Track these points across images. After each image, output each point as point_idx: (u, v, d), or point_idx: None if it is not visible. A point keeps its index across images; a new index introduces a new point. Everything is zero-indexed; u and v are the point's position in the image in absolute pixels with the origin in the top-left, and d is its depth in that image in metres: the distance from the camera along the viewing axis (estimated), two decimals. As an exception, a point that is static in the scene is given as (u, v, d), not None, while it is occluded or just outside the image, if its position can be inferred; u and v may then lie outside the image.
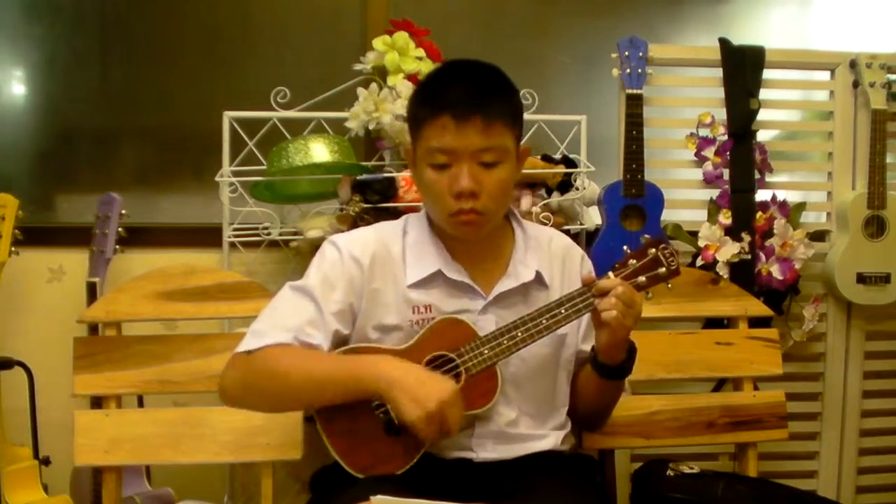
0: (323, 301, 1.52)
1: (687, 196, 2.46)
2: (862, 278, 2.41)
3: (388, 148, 2.28)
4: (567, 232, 2.11)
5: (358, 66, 2.28)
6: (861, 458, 2.54)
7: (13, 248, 2.08)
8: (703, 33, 2.88)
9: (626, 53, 2.31)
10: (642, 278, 1.53)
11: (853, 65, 2.45)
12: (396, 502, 1.24)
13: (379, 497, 1.24)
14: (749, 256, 2.31)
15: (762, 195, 2.39)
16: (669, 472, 1.89)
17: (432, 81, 1.54)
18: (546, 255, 1.64)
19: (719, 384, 2.24)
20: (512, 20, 2.79)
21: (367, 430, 1.48)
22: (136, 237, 2.26)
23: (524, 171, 1.70)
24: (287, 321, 1.51)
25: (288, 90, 2.21)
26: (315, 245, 2.16)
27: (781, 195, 2.39)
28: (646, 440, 1.95)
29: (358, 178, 2.13)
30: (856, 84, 2.45)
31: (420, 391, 1.39)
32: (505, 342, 1.49)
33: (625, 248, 1.57)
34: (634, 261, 1.54)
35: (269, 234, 2.21)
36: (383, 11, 2.55)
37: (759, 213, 2.35)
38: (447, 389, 1.40)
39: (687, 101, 2.49)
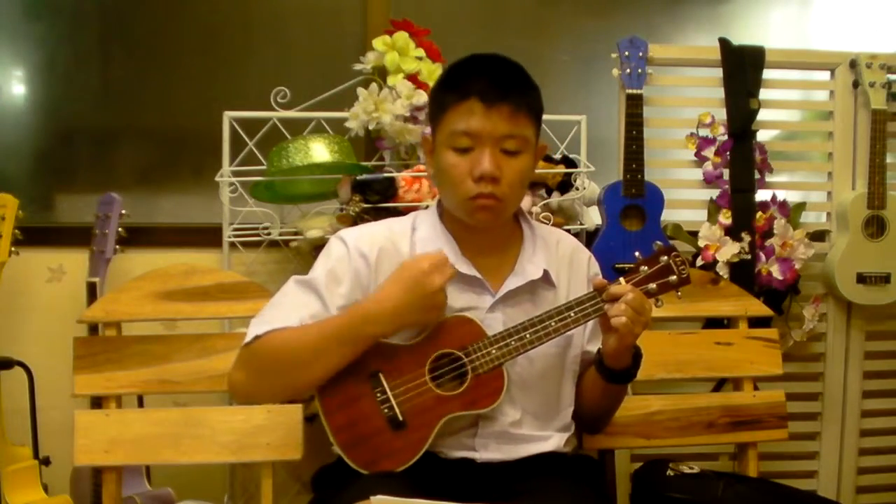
0: (328, 295, 1.52)
1: (687, 196, 2.46)
2: (862, 278, 2.41)
3: (388, 148, 2.28)
4: (567, 232, 2.11)
5: (358, 66, 2.28)
6: (861, 458, 2.54)
7: (13, 248, 2.08)
8: (703, 33, 2.88)
9: (626, 53, 2.31)
10: (653, 285, 1.54)
11: (853, 65, 2.45)
12: (396, 502, 1.24)
13: (379, 497, 1.24)
14: (749, 256, 2.31)
15: (762, 195, 2.39)
16: (669, 472, 1.88)
17: (460, 69, 1.54)
18: (553, 255, 1.64)
19: (719, 384, 2.24)
20: (512, 20, 2.79)
21: (372, 424, 1.49)
22: (136, 237, 2.26)
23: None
24: (291, 314, 1.51)
25: (288, 90, 2.21)
26: (315, 245, 2.17)
27: (781, 195, 2.39)
28: (646, 440, 1.96)
29: (358, 178, 2.13)
30: (856, 84, 2.45)
31: (423, 302, 1.45)
32: (513, 343, 1.49)
33: (636, 254, 1.57)
34: (646, 267, 1.55)
35: (269, 234, 2.21)
36: (383, 11, 2.55)
37: (759, 213, 2.35)
38: (437, 280, 1.45)
39: (687, 101, 2.49)
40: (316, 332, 1.48)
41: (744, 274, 2.29)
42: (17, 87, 2.57)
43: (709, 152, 2.40)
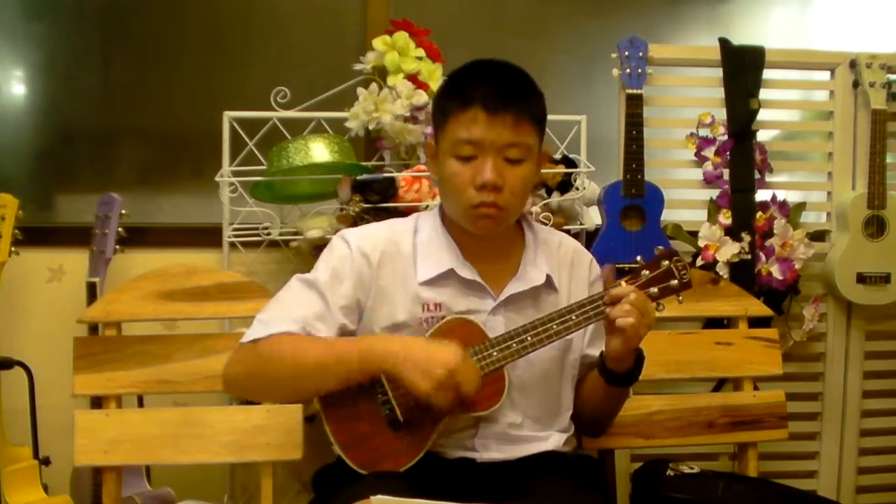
0: (330, 295, 1.52)
1: (687, 196, 2.46)
2: (862, 278, 2.41)
3: (388, 148, 2.28)
4: (567, 232, 2.11)
5: (358, 66, 2.28)
6: (861, 458, 2.54)
7: (13, 248, 2.08)
8: (703, 33, 2.88)
9: (626, 53, 2.31)
10: (654, 289, 1.53)
11: (853, 65, 2.45)
12: (396, 502, 1.24)
13: (379, 497, 1.24)
14: (749, 256, 2.31)
15: (762, 195, 2.39)
16: (669, 472, 1.89)
17: (463, 76, 1.54)
18: (555, 259, 1.64)
19: (719, 384, 2.24)
20: (512, 20, 2.79)
21: (372, 424, 1.49)
22: (136, 237, 2.26)
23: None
24: (294, 313, 1.51)
25: (288, 90, 2.21)
26: (315, 245, 2.17)
27: (781, 195, 2.39)
28: (646, 440, 1.95)
29: (358, 178, 2.13)
30: (856, 84, 2.45)
31: (426, 362, 1.40)
32: (514, 346, 1.49)
33: (638, 258, 1.57)
34: (647, 271, 1.54)
35: (269, 234, 2.21)
36: (383, 11, 2.55)
37: (759, 213, 2.35)
38: (453, 354, 1.41)
39: (687, 101, 2.49)
40: (320, 351, 1.47)
41: (744, 274, 2.29)
42: (17, 87, 2.57)
43: (709, 152, 2.40)
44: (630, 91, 2.32)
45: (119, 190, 2.20)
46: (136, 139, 2.61)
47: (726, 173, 2.39)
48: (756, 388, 2.04)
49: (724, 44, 2.42)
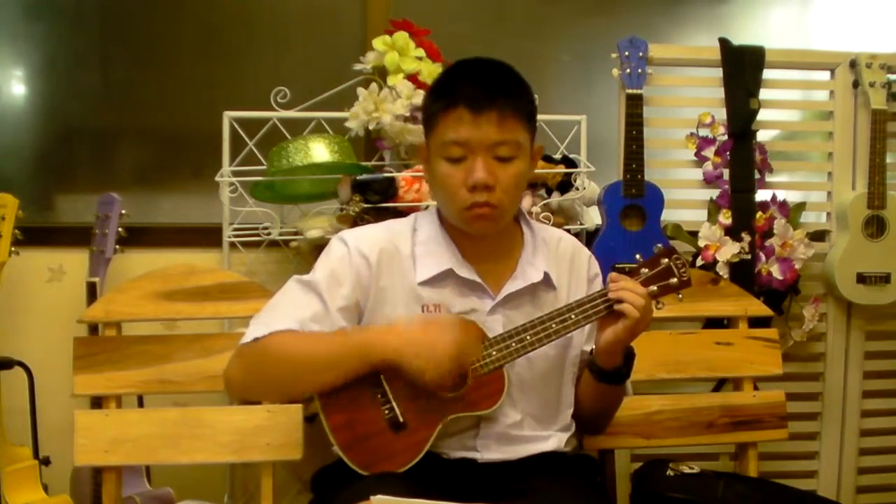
0: (329, 297, 1.52)
1: (687, 196, 2.46)
2: (862, 278, 2.41)
3: (388, 148, 2.28)
4: (567, 232, 2.11)
5: (358, 66, 2.28)
6: (861, 458, 2.54)
7: (13, 248, 2.08)
8: (703, 33, 2.88)
9: (626, 53, 2.31)
10: (654, 287, 1.53)
11: (853, 65, 2.45)
12: (396, 502, 1.24)
13: (379, 497, 1.24)
14: (749, 256, 2.31)
15: (762, 195, 2.39)
16: (669, 472, 1.88)
17: (447, 77, 1.55)
18: (554, 256, 1.64)
19: (719, 384, 2.24)
20: (512, 20, 2.79)
21: (372, 425, 1.49)
22: (136, 237, 2.26)
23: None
24: (292, 314, 1.51)
25: (288, 90, 2.21)
26: (315, 245, 2.17)
27: (781, 195, 2.39)
28: (646, 440, 1.95)
29: (358, 178, 2.13)
30: (856, 84, 2.45)
31: (428, 349, 1.41)
32: (513, 345, 1.49)
33: (637, 256, 1.57)
34: (647, 269, 1.54)
35: (269, 234, 2.21)
36: (383, 11, 2.55)
37: (759, 213, 2.35)
38: (451, 336, 1.42)
39: (687, 101, 2.49)
40: (320, 346, 1.48)
41: (744, 274, 2.29)
42: (17, 87, 2.57)
43: (709, 152, 2.40)
44: (630, 91, 2.31)
45: (119, 190, 2.20)
46: (136, 139, 2.61)
47: (726, 173, 2.39)
48: (756, 388, 2.04)
49: (724, 44, 2.42)
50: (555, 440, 1.60)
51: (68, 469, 2.10)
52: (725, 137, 2.39)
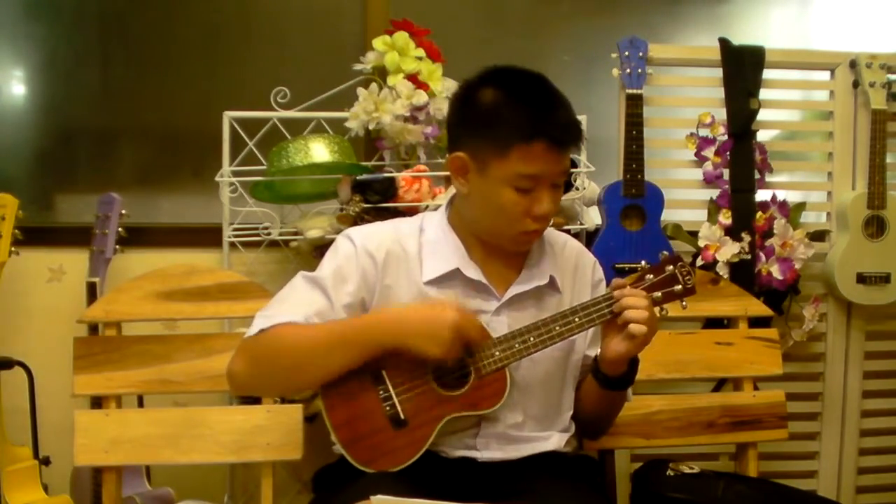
0: (334, 293, 1.52)
1: (687, 196, 2.46)
2: (862, 278, 2.41)
3: (388, 148, 2.28)
4: (567, 232, 2.11)
5: (358, 66, 2.28)
6: (861, 458, 2.54)
7: (13, 248, 2.07)
8: (703, 33, 2.88)
9: (626, 53, 2.31)
10: (658, 294, 1.53)
11: (853, 65, 2.45)
12: (396, 502, 1.24)
13: (379, 497, 1.24)
14: (749, 256, 2.31)
15: (762, 195, 2.39)
16: (669, 472, 1.88)
17: (520, 102, 1.46)
18: (559, 260, 1.64)
19: (719, 384, 2.24)
20: (512, 20, 2.79)
21: (373, 421, 1.49)
22: (136, 237, 2.26)
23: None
24: (296, 308, 1.51)
25: (288, 90, 2.21)
26: (315, 245, 2.17)
27: (781, 195, 2.39)
28: (646, 440, 1.96)
29: (358, 178, 2.13)
30: (856, 84, 2.45)
31: (429, 326, 1.43)
32: (517, 346, 1.49)
33: (642, 262, 1.57)
34: (651, 276, 1.54)
35: (269, 234, 2.21)
36: (383, 11, 2.55)
37: (759, 213, 2.35)
38: (450, 309, 1.44)
39: (687, 101, 2.49)
40: (321, 332, 1.48)
41: (744, 274, 2.29)
42: (17, 87, 2.57)
43: (709, 152, 2.40)
44: (630, 91, 2.32)
45: (119, 190, 2.20)
46: (136, 139, 2.61)
47: (726, 173, 2.39)
48: (756, 388, 2.04)
49: (724, 44, 2.42)
50: (555, 440, 1.60)
51: (68, 469, 2.10)
52: (725, 137, 2.39)
